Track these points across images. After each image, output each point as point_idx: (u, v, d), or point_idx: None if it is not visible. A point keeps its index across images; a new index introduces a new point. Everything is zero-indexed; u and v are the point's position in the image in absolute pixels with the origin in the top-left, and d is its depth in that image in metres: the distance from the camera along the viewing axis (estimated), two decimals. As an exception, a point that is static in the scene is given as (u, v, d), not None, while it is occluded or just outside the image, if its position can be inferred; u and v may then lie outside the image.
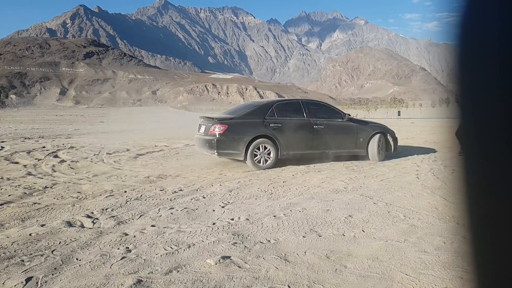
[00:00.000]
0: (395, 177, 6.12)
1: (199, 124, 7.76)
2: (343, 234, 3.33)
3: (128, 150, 10.13)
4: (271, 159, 7.24)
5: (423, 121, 28.46)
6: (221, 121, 7.12)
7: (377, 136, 8.18)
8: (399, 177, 6.11)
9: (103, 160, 8.28)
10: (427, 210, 4.07)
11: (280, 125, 7.34)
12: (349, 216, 3.90)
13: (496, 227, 0.46)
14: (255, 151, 7.11)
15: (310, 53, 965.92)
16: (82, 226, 3.63)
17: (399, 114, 43.97)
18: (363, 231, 3.42)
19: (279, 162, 7.99)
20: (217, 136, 6.93)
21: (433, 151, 9.76)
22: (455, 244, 3.04)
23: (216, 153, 6.97)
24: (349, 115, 8.21)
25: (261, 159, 7.16)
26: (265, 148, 7.19)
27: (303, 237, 3.28)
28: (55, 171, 6.82)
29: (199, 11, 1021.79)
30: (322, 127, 7.71)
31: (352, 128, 8.07)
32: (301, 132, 7.53)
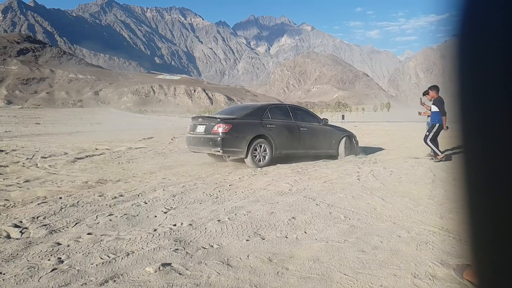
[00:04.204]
0: (337, 178, 6.32)
1: (194, 124, 8.16)
2: (286, 236, 3.36)
3: (66, 153, 9.56)
4: (267, 157, 7.86)
5: (365, 125, 29.83)
6: (224, 120, 7.54)
7: (345, 138, 9.43)
8: (341, 178, 6.32)
9: (37, 164, 7.73)
10: (366, 211, 4.24)
11: (274, 126, 8.06)
12: (293, 218, 3.95)
13: (498, 229, 0.45)
14: (254, 150, 7.66)
15: (259, 56, 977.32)
16: (8, 236, 3.33)
17: (343, 118, 45.83)
18: (305, 232, 3.47)
19: (226, 166, 7.96)
20: (221, 134, 7.35)
21: (374, 153, 10.25)
22: (391, 243, 3.18)
23: (221, 151, 7.41)
24: (327, 120, 9.35)
25: (259, 158, 7.76)
26: (262, 147, 7.80)
27: (247, 240, 3.26)
28: (-20, 177, 6.24)
29: (145, 10, 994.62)
30: (306, 129, 8.61)
31: (328, 131, 9.19)
32: (290, 134, 8.32)
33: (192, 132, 8.08)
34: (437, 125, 8.02)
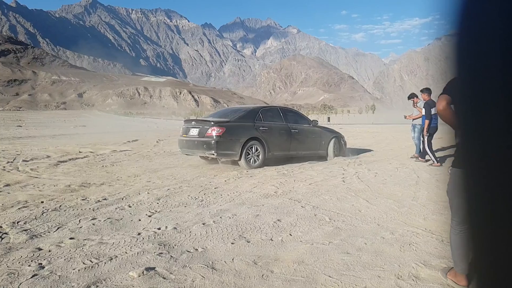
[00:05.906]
0: (322, 180, 6.36)
1: (187, 127, 8.18)
2: (271, 239, 3.36)
3: (48, 156, 9.37)
4: (260, 159, 7.97)
5: (351, 127, 30.09)
6: (218, 124, 7.59)
7: (334, 139, 9.62)
8: (326, 180, 6.36)
9: (18, 168, 7.56)
10: (351, 213, 4.27)
11: (267, 128, 8.17)
12: (278, 220, 3.95)
13: (498, 229, 0.44)
14: (247, 152, 7.75)
15: (245, 59, 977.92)
16: (-13, 242, 3.24)
17: (328, 120, 46.12)
18: (290, 235, 3.48)
19: (212, 169, 7.94)
20: (215, 137, 7.39)
21: (359, 155, 10.35)
22: (375, 244, 3.21)
23: (215, 154, 7.44)
24: (317, 121, 9.50)
25: (252, 159, 7.85)
26: (256, 149, 7.92)
27: (232, 243, 3.25)
28: (-42, 182, 6.07)
29: (130, 12, 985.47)
30: (297, 131, 8.76)
31: (318, 132, 9.36)
32: (282, 136, 8.47)
33: (185, 135, 8.08)
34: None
